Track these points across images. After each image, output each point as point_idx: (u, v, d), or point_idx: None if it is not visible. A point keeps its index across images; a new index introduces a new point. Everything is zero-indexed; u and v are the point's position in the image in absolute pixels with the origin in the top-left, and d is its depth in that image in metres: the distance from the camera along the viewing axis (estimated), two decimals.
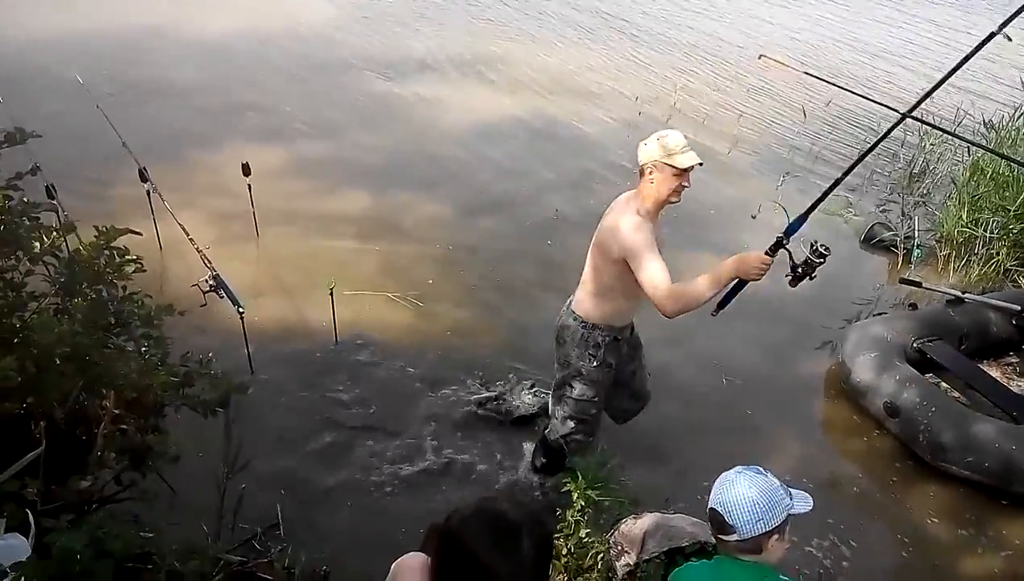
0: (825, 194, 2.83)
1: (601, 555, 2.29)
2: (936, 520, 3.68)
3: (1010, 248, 5.49)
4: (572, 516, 2.34)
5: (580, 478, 2.28)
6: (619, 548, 2.30)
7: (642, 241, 2.63)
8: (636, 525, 2.35)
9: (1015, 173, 5.68)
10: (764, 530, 1.72)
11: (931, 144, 7.05)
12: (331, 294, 4.11)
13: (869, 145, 2.73)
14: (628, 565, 2.24)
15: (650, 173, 2.69)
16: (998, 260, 5.50)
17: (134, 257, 2.42)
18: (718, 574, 1.82)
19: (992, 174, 5.87)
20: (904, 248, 5.61)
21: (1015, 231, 5.47)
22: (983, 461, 3.71)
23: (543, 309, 4.77)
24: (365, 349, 4.30)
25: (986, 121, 6.72)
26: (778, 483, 1.77)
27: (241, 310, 3.74)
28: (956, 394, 4.33)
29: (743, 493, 1.72)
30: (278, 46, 8.83)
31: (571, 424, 3.15)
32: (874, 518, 3.67)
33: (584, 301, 2.98)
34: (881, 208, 6.45)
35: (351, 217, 5.60)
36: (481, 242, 5.50)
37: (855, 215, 6.26)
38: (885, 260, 5.72)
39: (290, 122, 7.02)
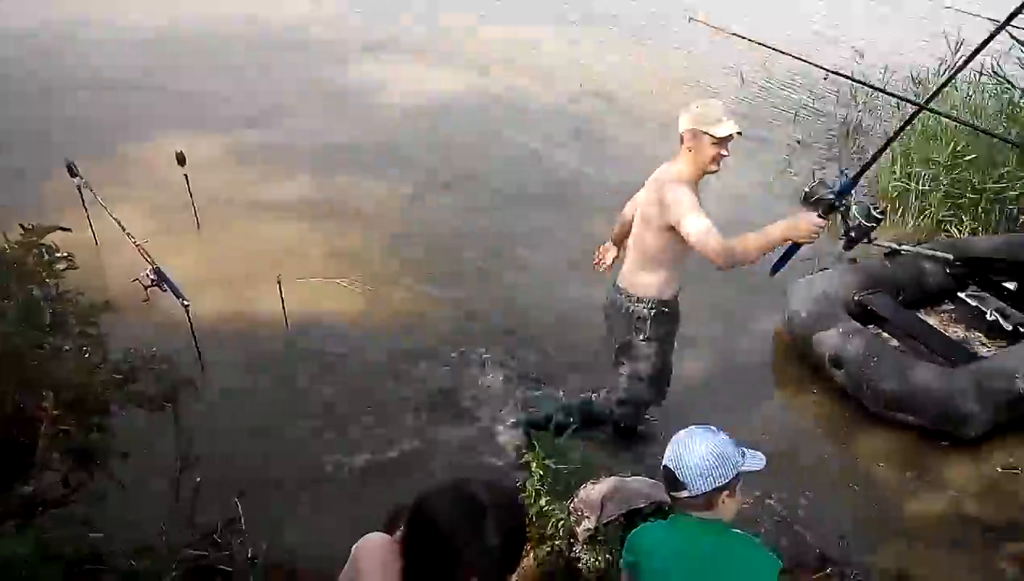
0: (875, 157, 2.92)
1: (562, 522, 2.32)
2: (884, 465, 3.82)
3: (941, 199, 5.69)
4: (532, 486, 2.37)
5: (537, 448, 2.30)
6: (579, 514, 2.34)
7: (688, 202, 2.69)
8: (595, 490, 2.39)
9: (942, 126, 5.87)
10: (714, 486, 1.76)
11: (863, 101, 7.24)
12: (279, 283, 4.04)
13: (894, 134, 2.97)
14: (588, 529, 2.29)
15: (689, 141, 2.73)
16: (931, 211, 5.71)
17: (65, 254, 2.34)
18: (673, 532, 1.88)
19: (921, 128, 6.06)
20: (842, 204, 5.76)
21: (945, 183, 5.67)
22: (924, 406, 3.86)
23: (496, 287, 4.80)
24: (317, 337, 4.25)
25: (914, 77, 6.91)
26: (730, 441, 1.82)
27: (186, 303, 3.66)
28: (897, 343, 4.49)
29: (694, 451, 1.78)
30: (212, 32, 8.57)
31: (621, 402, 3.27)
32: (826, 468, 3.80)
33: (631, 275, 3.02)
34: (819, 167, 6.61)
35: (296, 203, 5.50)
36: (432, 222, 5.47)
37: (795, 175, 6.41)
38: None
39: (227, 109, 6.84)
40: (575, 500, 2.40)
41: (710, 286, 4.82)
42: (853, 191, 2.71)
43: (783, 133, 7.27)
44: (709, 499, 1.79)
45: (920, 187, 5.72)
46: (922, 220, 5.70)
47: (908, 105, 6.02)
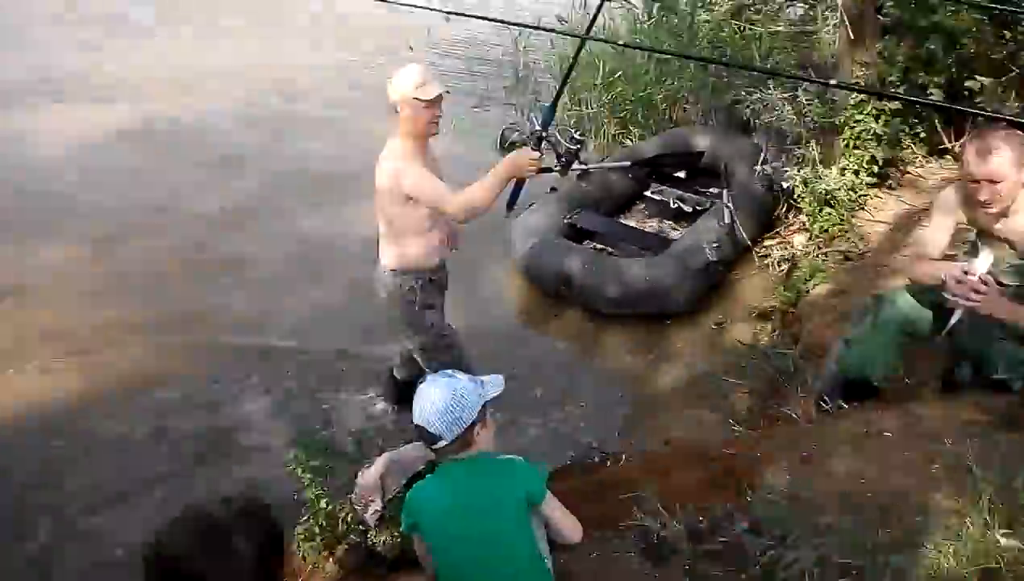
0: (562, 86, 3.09)
1: (350, 515, 2.28)
2: (630, 358, 4.27)
3: (609, 116, 6.38)
4: (311, 493, 2.29)
5: (298, 453, 2.22)
6: (364, 501, 2.31)
7: (415, 171, 2.75)
8: (370, 472, 2.37)
9: (592, 54, 6.56)
10: (465, 426, 1.84)
11: (524, 46, 7.82)
12: None
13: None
14: (376, 512, 2.27)
15: (402, 110, 2.76)
16: (604, 129, 6.38)
17: None
18: (441, 482, 1.94)
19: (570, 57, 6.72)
20: (534, 141, 6.24)
21: (607, 101, 6.36)
22: (642, 295, 4.36)
23: (215, 318, 4.48)
24: (29, 433, 3.65)
25: (560, 17, 7.59)
26: (466, 378, 1.89)
27: None
28: (609, 250, 5.00)
29: (434, 402, 1.83)
30: None
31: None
32: (584, 377, 4.15)
33: (389, 251, 3.01)
34: (506, 114, 7.06)
35: None
36: (129, 269, 4.92)
37: (485, 126, 6.77)
38: None
39: None
40: (355, 490, 2.36)
41: None
42: (554, 122, 2.90)
43: (467, 88, 7.63)
44: (464, 440, 1.86)
45: (589, 110, 6.36)
46: (600, 138, 6.35)
47: (568, 39, 6.65)
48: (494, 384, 1.94)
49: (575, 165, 2.96)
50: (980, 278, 2.34)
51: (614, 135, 6.38)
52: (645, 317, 4.41)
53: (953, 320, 2.44)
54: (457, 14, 3.05)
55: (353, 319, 4.33)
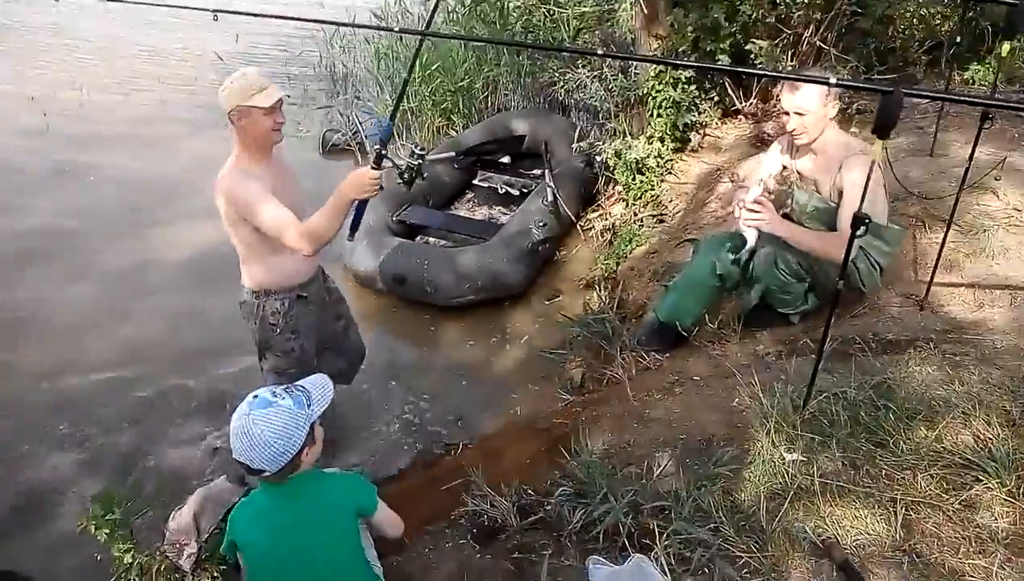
0: (398, 101, 2.91)
1: (164, 565, 2.13)
2: (471, 345, 4.27)
3: (430, 108, 6.37)
4: (115, 550, 2.10)
5: (94, 509, 2.03)
6: (177, 546, 2.15)
7: (252, 194, 2.48)
8: (182, 514, 2.23)
9: (409, 48, 6.51)
10: (291, 456, 1.72)
11: (340, 45, 7.64)
12: None
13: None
14: (192, 555, 2.13)
15: (239, 120, 2.51)
16: (427, 121, 6.36)
17: None
18: (268, 499, 1.82)
19: (392, 55, 6.65)
20: (356, 143, 6.12)
21: (428, 93, 6.34)
22: (477, 281, 4.39)
23: (17, 369, 4.06)
24: None
25: (373, 12, 7.49)
26: (291, 401, 1.74)
27: None
28: (442, 242, 4.99)
29: (258, 438, 1.68)
30: None
31: None
32: (427, 370, 4.09)
33: (246, 272, 2.77)
34: (327, 116, 6.87)
35: None
36: None
37: (307, 132, 6.55)
38: (348, 161, 6.18)
39: None
40: (167, 536, 2.20)
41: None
42: (391, 134, 2.78)
43: (287, 93, 7.33)
44: (293, 464, 1.75)
45: (410, 104, 6.31)
46: (424, 131, 6.33)
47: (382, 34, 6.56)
48: (320, 398, 1.82)
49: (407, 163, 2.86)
50: (755, 200, 2.67)
51: (438, 127, 6.37)
52: (482, 303, 4.44)
53: (750, 243, 2.75)
54: (225, 11, 2.87)
55: (170, 351, 4.07)
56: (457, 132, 6.22)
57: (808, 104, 2.59)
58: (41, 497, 3.19)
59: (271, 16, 3.24)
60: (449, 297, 4.42)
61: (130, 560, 2.06)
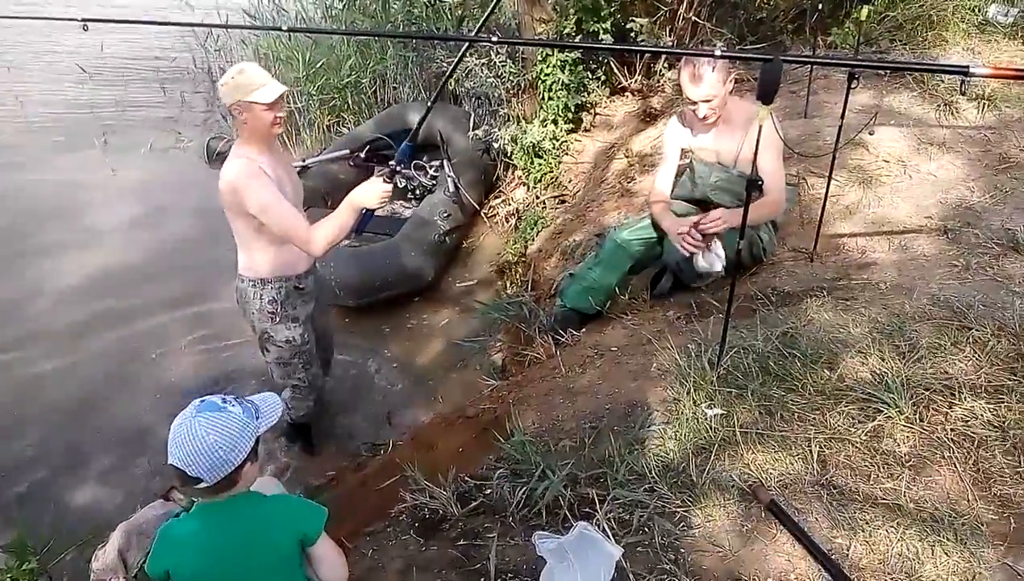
0: (423, 119, 2.79)
1: None
2: (388, 343, 4.21)
3: (319, 107, 6.21)
4: None
5: (9, 562, 1.89)
6: None
7: (264, 194, 2.54)
8: (107, 552, 2.10)
9: (288, 47, 6.31)
10: (232, 468, 1.62)
11: (215, 48, 7.32)
12: None
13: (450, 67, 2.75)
14: None
15: (240, 114, 2.55)
16: (318, 121, 6.20)
17: None
18: (203, 522, 1.70)
19: (272, 55, 6.44)
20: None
21: (314, 92, 6.19)
22: (387, 278, 4.33)
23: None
24: None
25: (245, 11, 7.21)
26: (239, 411, 1.65)
27: None
28: (345, 241, 4.87)
29: (201, 441, 1.58)
30: None
31: (287, 393, 3.06)
32: (348, 374, 3.99)
33: (244, 260, 2.80)
34: (208, 123, 6.58)
35: None
36: None
37: (189, 141, 6.26)
38: None
39: None
40: (93, 575, 2.08)
41: (164, 277, 4.61)
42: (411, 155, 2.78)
43: (163, 102, 6.99)
44: (231, 479, 1.63)
45: (297, 104, 6.13)
46: (314, 131, 6.17)
47: (262, 34, 6.30)
48: (269, 414, 1.72)
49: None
50: (707, 221, 2.71)
51: (328, 125, 6.22)
52: (395, 300, 4.40)
53: (717, 268, 2.76)
54: (95, 20, 2.70)
55: (67, 385, 3.82)
56: (349, 129, 6.09)
57: (713, 90, 2.67)
58: None
59: (144, 22, 3.09)
60: (359, 297, 4.34)
61: None
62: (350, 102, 6.24)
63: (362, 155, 5.51)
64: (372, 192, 2.61)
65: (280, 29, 3.74)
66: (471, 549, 2.03)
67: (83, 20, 2.75)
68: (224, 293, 4.62)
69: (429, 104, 2.88)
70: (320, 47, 6.41)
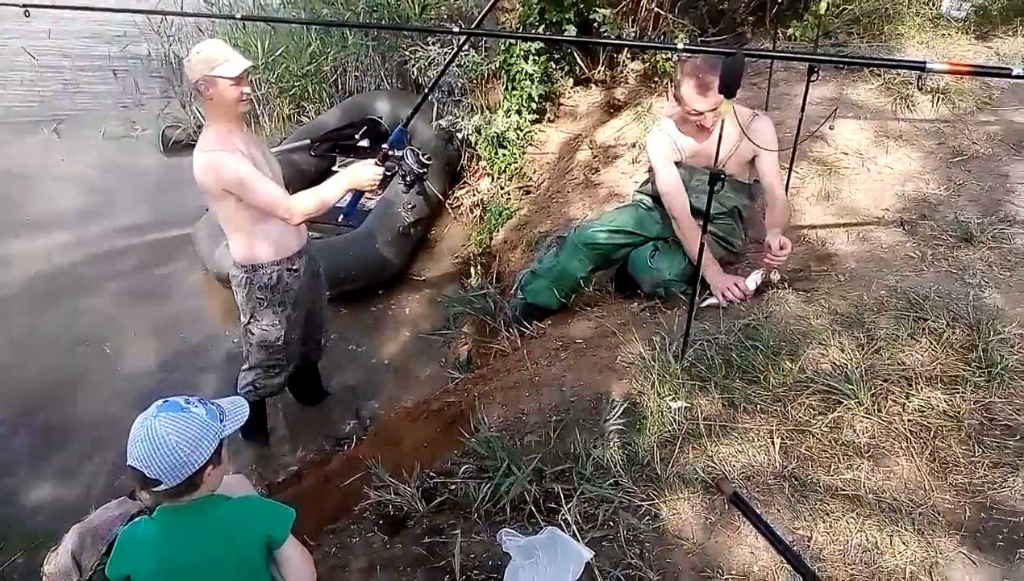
0: (416, 108, 2.87)
1: None
2: (353, 336, 4.16)
3: (279, 95, 6.08)
4: None
5: None
6: None
7: (241, 170, 2.53)
8: (59, 554, 2.03)
9: (247, 34, 6.16)
10: (193, 470, 1.57)
11: (168, 33, 7.11)
12: None
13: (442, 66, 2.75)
14: None
15: (206, 90, 2.53)
16: (278, 110, 6.07)
17: None
18: (166, 526, 1.65)
19: (224, 39, 6.27)
20: (194, 139, 5.77)
21: (274, 80, 6.06)
22: (351, 271, 4.26)
23: None
24: None
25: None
26: (203, 412, 1.60)
27: None
28: (309, 233, 4.79)
29: (161, 441, 1.53)
30: None
31: (257, 371, 3.05)
32: (324, 364, 3.94)
33: (234, 245, 2.79)
34: (164, 110, 6.40)
35: None
36: None
37: (144, 130, 6.08)
38: (185, 155, 5.80)
39: None
40: (44, 579, 2.01)
41: (121, 276, 4.49)
42: (405, 139, 2.77)
43: (113, 90, 6.78)
44: (192, 482, 1.59)
45: (256, 92, 5.99)
46: (273, 121, 6.04)
47: (218, 22, 6.13)
48: (235, 416, 1.67)
49: None
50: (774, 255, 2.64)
51: (288, 115, 6.10)
52: (359, 292, 4.34)
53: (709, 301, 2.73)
54: (36, 6, 2.59)
55: (17, 381, 3.70)
56: (310, 118, 5.99)
57: (717, 97, 2.50)
58: None
59: (88, 8, 2.97)
60: (339, 287, 4.27)
61: None
62: (311, 91, 6.13)
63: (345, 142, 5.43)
64: (364, 174, 2.62)
65: (234, 18, 3.64)
66: (436, 546, 2.01)
67: (24, 6, 2.64)
68: (180, 282, 4.55)
69: (426, 92, 2.88)
70: (279, 34, 6.27)
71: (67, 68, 7.32)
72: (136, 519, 1.83)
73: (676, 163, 2.88)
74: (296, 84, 6.08)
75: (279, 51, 6.09)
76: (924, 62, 1.84)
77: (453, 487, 2.19)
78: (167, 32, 7.17)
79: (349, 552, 2.13)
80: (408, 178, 2.77)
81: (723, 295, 2.71)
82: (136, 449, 1.54)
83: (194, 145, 2.68)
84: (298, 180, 5.20)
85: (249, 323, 2.93)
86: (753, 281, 2.71)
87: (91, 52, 7.60)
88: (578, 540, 1.86)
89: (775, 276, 2.73)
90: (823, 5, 3.26)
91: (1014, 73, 2.08)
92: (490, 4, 3.06)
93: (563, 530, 1.88)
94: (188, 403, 1.61)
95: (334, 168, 5.52)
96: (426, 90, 2.89)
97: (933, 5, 4.77)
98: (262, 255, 2.78)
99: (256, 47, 6.15)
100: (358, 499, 2.31)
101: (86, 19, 7.73)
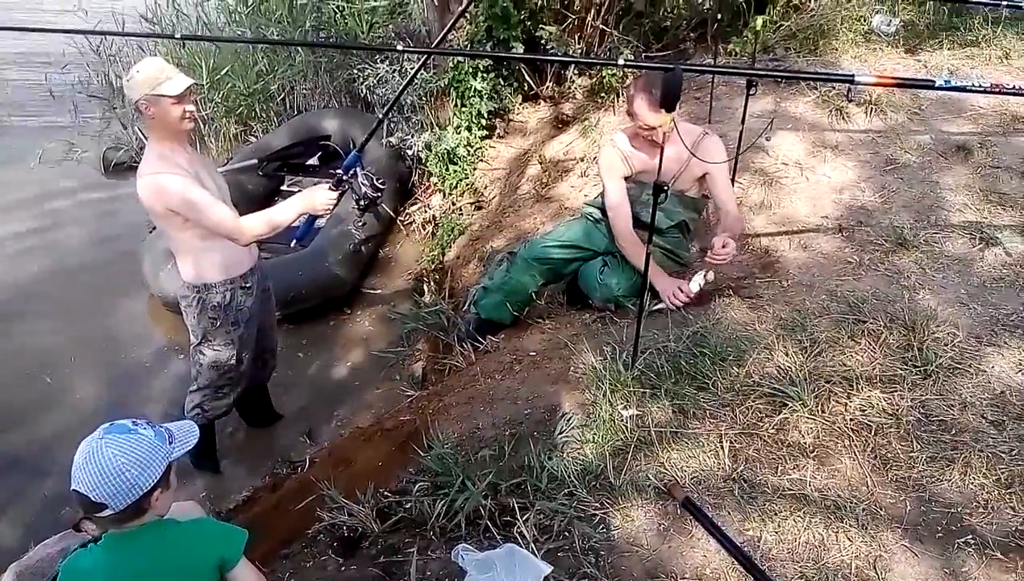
0: (372, 132, 2.83)
1: None
2: (304, 356, 4.10)
3: (224, 115, 6.00)
4: None
5: None
6: None
7: (186, 190, 2.49)
8: None
9: (191, 53, 6.07)
10: (140, 494, 1.52)
11: (109, 55, 6.97)
12: None
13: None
14: None
15: (147, 109, 2.48)
16: (223, 130, 5.98)
17: None
18: (113, 554, 1.58)
19: (166, 59, 6.17)
20: (136, 161, 5.65)
21: (219, 99, 5.97)
22: (302, 290, 4.21)
23: None
24: None
25: (143, 16, 6.88)
26: (151, 434, 1.55)
27: None
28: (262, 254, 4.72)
29: (108, 463, 1.48)
30: None
31: (205, 392, 2.98)
32: (276, 384, 3.87)
33: (183, 266, 2.75)
34: (104, 132, 6.25)
35: None
36: None
37: (84, 152, 5.93)
38: (128, 177, 5.67)
39: None
40: None
41: (67, 306, 4.36)
42: (359, 164, 2.70)
43: (52, 114, 6.59)
44: (139, 507, 1.53)
45: (202, 113, 5.89)
46: (219, 140, 5.95)
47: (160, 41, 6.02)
48: (184, 440, 1.62)
49: None
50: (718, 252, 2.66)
51: (235, 134, 6.02)
52: (311, 311, 4.29)
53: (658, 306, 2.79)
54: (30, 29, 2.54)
55: None
56: (257, 137, 5.91)
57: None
58: None
59: (30, 29, 2.89)
60: (283, 308, 4.20)
61: None
62: (258, 110, 6.06)
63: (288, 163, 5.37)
64: (319, 199, 2.59)
65: (174, 37, 3.58)
66: (392, 565, 1.99)
67: None
68: (119, 306, 4.42)
69: (381, 116, 2.88)
70: (224, 53, 6.19)
71: (1, 91, 7.10)
72: (77, 550, 1.77)
73: (626, 178, 2.92)
74: (243, 103, 6.01)
75: (224, 70, 6.02)
76: (853, 75, 1.92)
77: (408, 505, 2.17)
78: (107, 52, 7.02)
79: (303, 577, 2.09)
80: (363, 202, 2.76)
81: (670, 299, 2.76)
82: (80, 473, 1.49)
83: (136, 166, 2.63)
84: (246, 200, 5.12)
85: (200, 344, 2.87)
86: (696, 282, 2.77)
87: (27, 75, 7.38)
88: (535, 553, 1.86)
89: (710, 275, 2.78)
90: (759, 21, 3.36)
91: (936, 85, 2.19)
92: (450, 24, 3.06)
93: (519, 543, 1.88)
94: (136, 425, 1.57)
95: (283, 187, 5.47)
96: (380, 115, 2.87)
97: (864, 21, 4.97)
98: (212, 275, 2.74)
99: (201, 66, 6.06)
100: (311, 522, 2.27)
101: (22, 40, 7.53)
